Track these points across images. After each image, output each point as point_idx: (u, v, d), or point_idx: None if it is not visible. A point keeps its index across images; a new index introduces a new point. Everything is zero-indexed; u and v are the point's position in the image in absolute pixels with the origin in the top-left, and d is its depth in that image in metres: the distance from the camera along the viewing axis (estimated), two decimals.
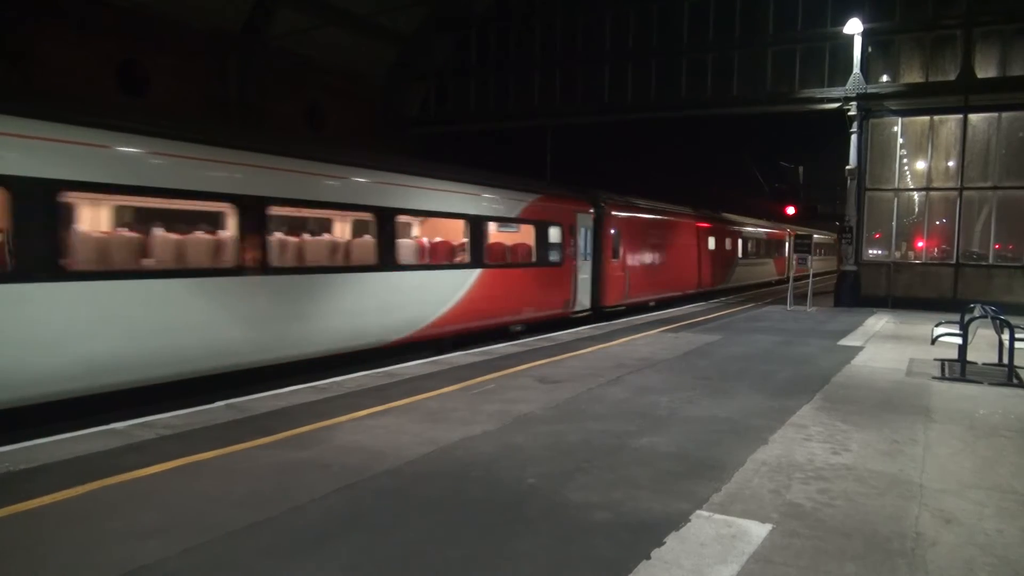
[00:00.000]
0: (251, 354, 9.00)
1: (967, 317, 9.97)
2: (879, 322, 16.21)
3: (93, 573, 3.66)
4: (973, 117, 19.29)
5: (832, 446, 6.02)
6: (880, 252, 21.06)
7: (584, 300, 17.04)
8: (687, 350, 11.52)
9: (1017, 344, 9.11)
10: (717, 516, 4.44)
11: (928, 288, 19.73)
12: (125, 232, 8.42)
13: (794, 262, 22.16)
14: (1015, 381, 8.88)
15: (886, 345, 12.45)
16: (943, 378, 9.23)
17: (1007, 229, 19.32)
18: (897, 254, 20.71)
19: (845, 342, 12.78)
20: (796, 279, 21.34)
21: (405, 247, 11.78)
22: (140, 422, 6.55)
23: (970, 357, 9.49)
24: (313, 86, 24.75)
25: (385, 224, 11.07)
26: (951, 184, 19.72)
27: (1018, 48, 19.11)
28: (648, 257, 20.84)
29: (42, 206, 6.92)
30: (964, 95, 19.25)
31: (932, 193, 20.04)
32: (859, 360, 10.74)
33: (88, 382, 7.34)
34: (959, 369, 9.33)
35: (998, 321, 9.44)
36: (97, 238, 8.02)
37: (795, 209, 46.69)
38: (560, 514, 4.48)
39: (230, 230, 8.91)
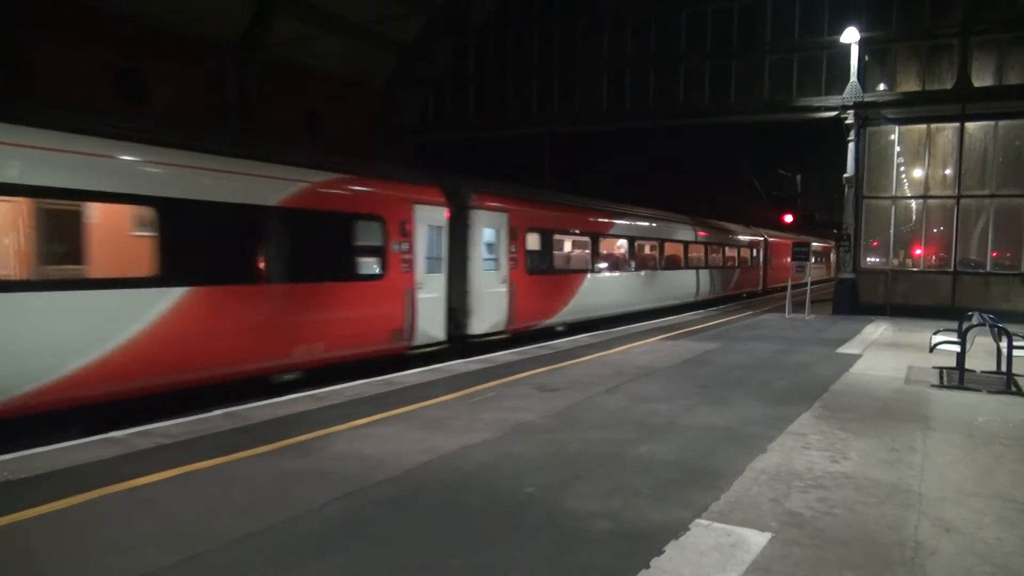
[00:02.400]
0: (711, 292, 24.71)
1: (965, 325, 9.98)
2: (877, 330, 16.23)
3: None
4: (970, 125, 19.35)
5: (831, 454, 6.02)
6: (878, 260, 21.09)
7: (760, 284, 32.49)
8: (686, 358, 11.53)
9: (1015, 352, 9.11)
10: (716, 525, 4.44)
11: (926, 296, 19.74)
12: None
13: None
14: (1013, 389, 8.89)
15: (884, 353, 12.46)
16: (942, 386, 9.23)
17: (1004, 237, 19.32)
18: (895, 262, 20.74)
19: (843, 350, 12.79)
20: (794, 286, 21.47)
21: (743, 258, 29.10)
22: (138, 431, 6.54)
23: (968, 365, 9.48)
24: (312, 94, 24.77)
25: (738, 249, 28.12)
26: (948, 192, 19.77)
27: (1014, 57, 19.18)
28: (775, 263, 35.45)
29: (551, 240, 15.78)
30: (961, 104, 19.31)
31: (930, 201, 20.08)
32: (857, 368, 10.75)
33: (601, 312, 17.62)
34: (957, 377, 9.33)
35: (996, 329, 9.45)
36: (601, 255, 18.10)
37: (793, 217, 46.84)
38: (559, 523, 4.47)
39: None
